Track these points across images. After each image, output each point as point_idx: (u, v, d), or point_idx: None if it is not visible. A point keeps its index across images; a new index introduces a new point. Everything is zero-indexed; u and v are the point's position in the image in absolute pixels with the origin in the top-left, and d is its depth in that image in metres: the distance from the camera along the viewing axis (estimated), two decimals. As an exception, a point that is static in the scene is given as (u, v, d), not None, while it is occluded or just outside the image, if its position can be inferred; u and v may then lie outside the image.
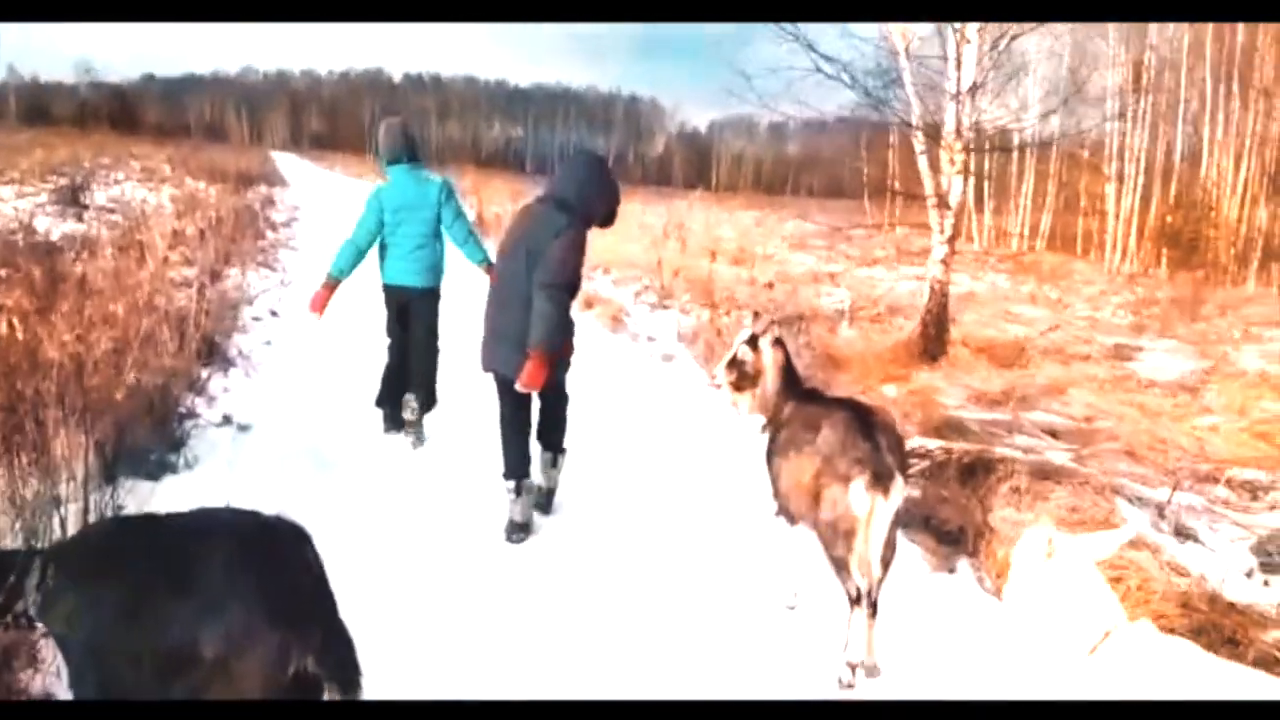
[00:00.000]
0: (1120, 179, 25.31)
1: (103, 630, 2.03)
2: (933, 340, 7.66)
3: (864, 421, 3.54)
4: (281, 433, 5.70)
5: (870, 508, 3.36)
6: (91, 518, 4.04)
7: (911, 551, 4.38)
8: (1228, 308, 15.66)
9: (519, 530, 4.62)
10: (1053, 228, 28.88)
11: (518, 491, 4.64)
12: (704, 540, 4.65)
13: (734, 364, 4.14)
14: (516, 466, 4.68)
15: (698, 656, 3.58)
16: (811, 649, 3.67)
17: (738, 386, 4.13)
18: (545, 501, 4.92)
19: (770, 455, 3.92)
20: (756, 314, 4.32)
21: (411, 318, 5.99)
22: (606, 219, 4.66)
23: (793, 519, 3.81)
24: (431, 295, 5.97)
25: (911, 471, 5.22)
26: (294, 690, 2.03)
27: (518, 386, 4.43)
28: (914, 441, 5.55)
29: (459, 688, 3.23)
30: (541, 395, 4.71)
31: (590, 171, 4.62)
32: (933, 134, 7.58)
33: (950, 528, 4.46)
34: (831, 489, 3.45)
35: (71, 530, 3.82)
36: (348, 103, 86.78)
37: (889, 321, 10.67)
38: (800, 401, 3.94)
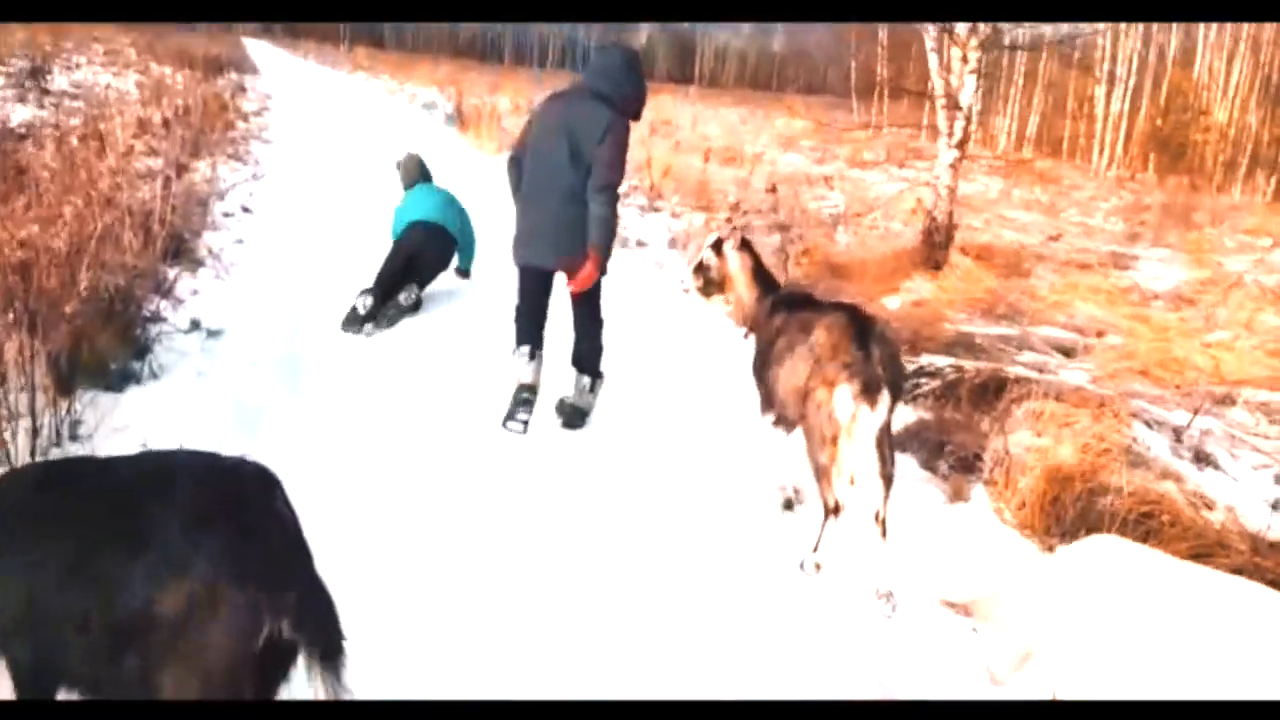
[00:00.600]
0: (1111, 81, 24.75)
1: (41, 595, 1.75)
2: (936, 248, 7.34)
3: (860, 328, 3.43)
4: (254, 338, 5.36)
5: (854, 416, 3.28)
6: (45, 436, 3.77)
7: (924, 479, 4.16)
8: (1216, 215, 15.44)
9: (528, 392, 4.59)
10: (1039, 131, 28.39)
11: (530, 356, 4.62)
12: (704, 450, 4.48)
13: (700, 269, 4.24)
14: (530, 337, 4.66)
15: (699, 571, 3.40)
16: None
17: (705, 291, 4.24)
18: (579, 419, 4.72)
19: (764, 362, 3.85)
20: (729, 219, 4.31)
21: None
22: (636, 114, 4.52)
23: (789, 425, 3.72)
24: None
25: (921, 391, 5.00)
26: (268, 659, 1.76)
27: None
28: (923, 359, 5.30)
29: (457, 644, 2.93)
30: (577, 305, 4.63)
31: (629, 66, 4.49)
32: (946, 30, 7.10)
33: (965, 454, 4.23)
34: (818, 392, 3.38)
35: (21, 452, 3.55)
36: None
37: (884, 228, 10.34)
38: (792, 308, 3.85)
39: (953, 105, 7.09)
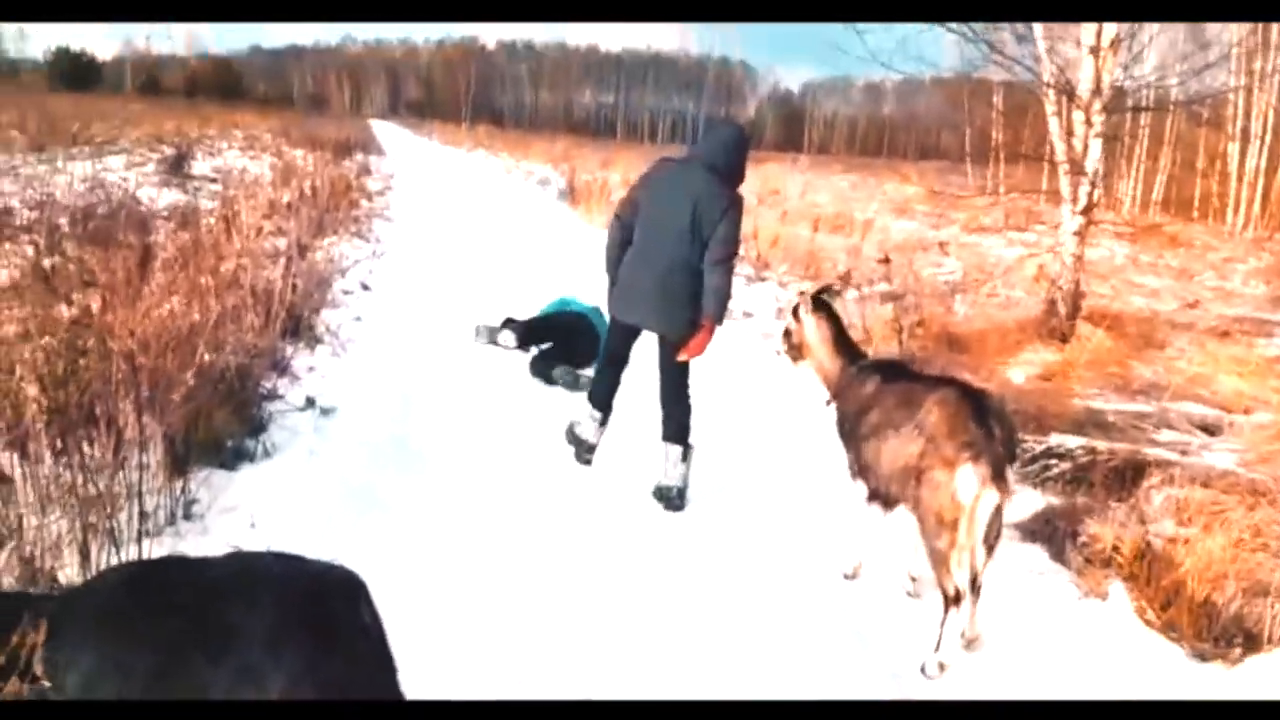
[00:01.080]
0: (1245, 138, 23.60)
1: (125, 696, 1.71)
2: (1062, 319, 6.98)
3: (974, 403, 3.31)
4: (367, 417, 5.43)
5: (977, 497, 3.15)
6: (163, 514, 3.86)
7: (1056, 574, 3.86)
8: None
9: (588, 453, 5.00)
10: (1166, 192, 27.21)
11: (602, 423, 4.94)
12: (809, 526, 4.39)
13: (786, 334, 4.36)
14: (604, 398, 4.93)
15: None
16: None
17: (793, 356, 4.31)
18: (680, 499, 4.67)
19: (856, 435, 3.74)
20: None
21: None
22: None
23: (889, 504, 3.60)
24: None
25: (1050, 474, 4.70)
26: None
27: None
28: (1051, 439, 4.98)
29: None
30: (670, 375, 4.72)
31: (741, 142, 4.69)
32: (1067, 93, 6.85)
33: (1101, 545, 3.90)
34: (936, 473, 3.22)
35: (133, 531, 3.62)
36: (444, 70, 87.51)
37: (1005, 296, 9.96)
38: (886, 377, 3.75)
39: (1077, 170, 6.80)
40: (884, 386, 3.68)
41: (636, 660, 3.25)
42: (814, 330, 4.10)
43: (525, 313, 7.36)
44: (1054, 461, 4.77)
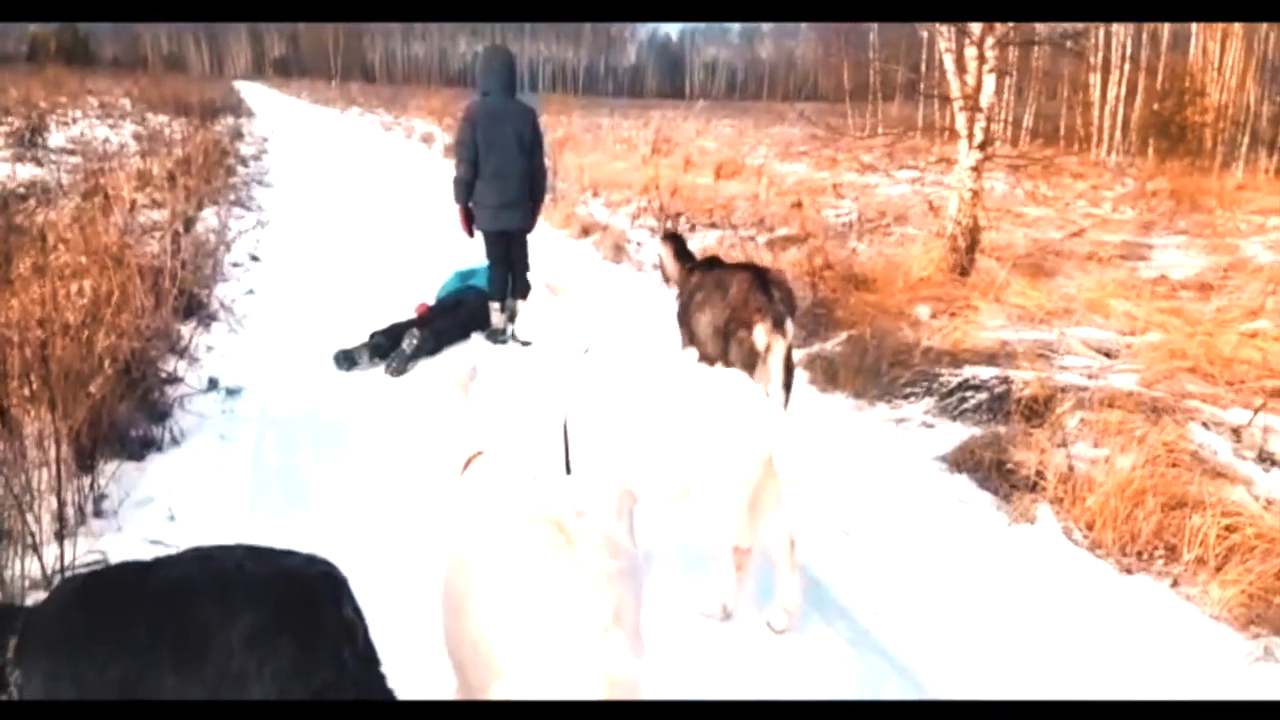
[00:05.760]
0: (1106, 68, 24.60)
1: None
2: (963, 254, 7.16)
3: (762, 279, 4.43)
4: (274, 395, 5.21)
5: (769, 345, 4.25)
6: (69, 511, 3.62)
7: (983, 500, 3.98)
8: (1223, 196, 15.19)
9: (498, 334, 6.46)
10: (1035, 122, 28.19)
11: (501, 309, 6.45)
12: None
13: (658, 266, 5.64)
14: (500, 292, 6.46)
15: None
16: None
17: (665, 280, 5.35)
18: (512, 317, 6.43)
19: (688, 314, 4.69)
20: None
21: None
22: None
23: (710, 360, 4.46)
24: None
25: (968, 405, 4.83)
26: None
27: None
28: (965, 371, 5.13)
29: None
30: (518, 245, 6.57)
31: (509, 60, 6.55)
32: (963, 30, 6.94)
33: (1025, 471, 4.04)
34: (740, 331, 4.33)
35: (46, 532, 3.39)
36: (308, 25, 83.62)
37: (899, 234, 10.18)
38: (705, 269, 4.83)
39: (972, 106, 6.93)
40: (704, 275, 4.73)
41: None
42: (666, 252, 5.13)
43: (421, 285, 7.01)
44: (970, 393, 4.92)
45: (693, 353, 4.65)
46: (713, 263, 4.98)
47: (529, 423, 4.34)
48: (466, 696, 1.98)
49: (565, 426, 3.39)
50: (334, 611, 1.68)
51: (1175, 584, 3.30)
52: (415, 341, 5.80)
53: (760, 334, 4.24)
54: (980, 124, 6.91)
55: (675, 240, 5.28)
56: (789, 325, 4.31)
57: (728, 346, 4.37)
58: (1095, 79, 24.75)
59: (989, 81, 6.89)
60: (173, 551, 3.38)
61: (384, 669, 1.74)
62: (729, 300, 4.40)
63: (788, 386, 4.28)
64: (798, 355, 5.91)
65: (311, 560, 1.75)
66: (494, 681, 1.81)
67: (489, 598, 1.86)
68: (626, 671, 1.76)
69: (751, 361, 4.25)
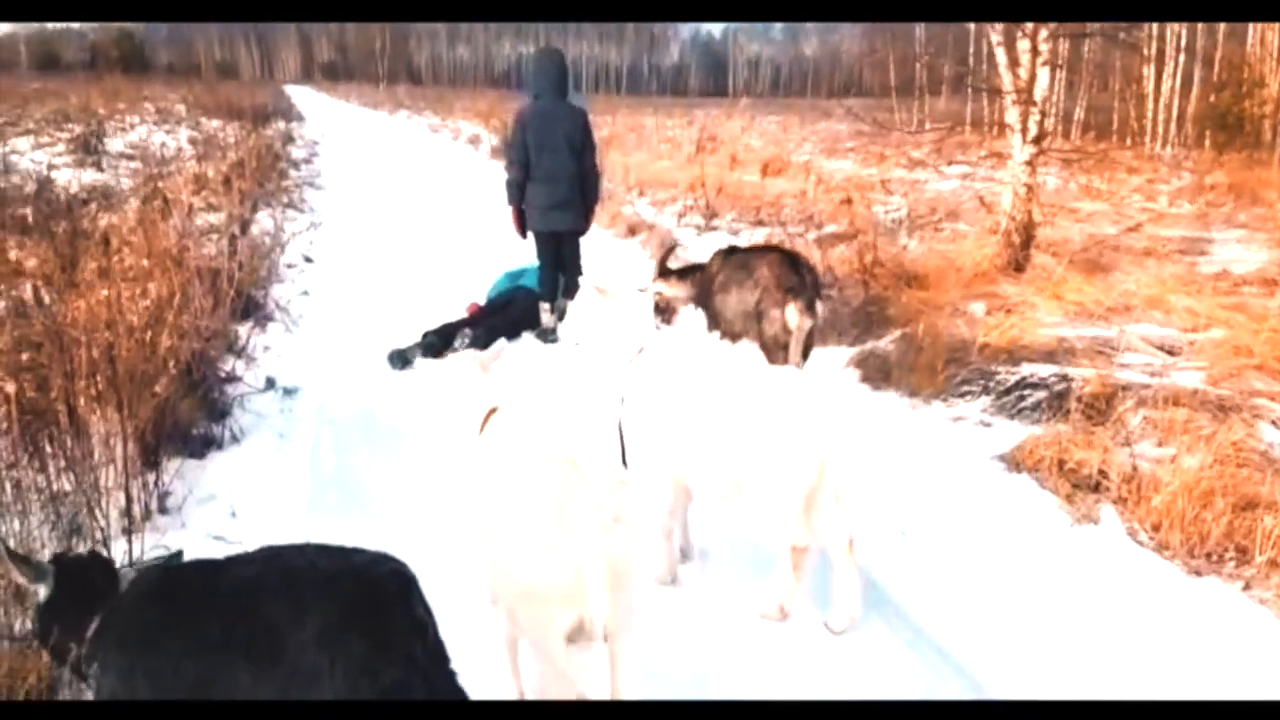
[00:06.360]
0: (1160, 59, 24.02)
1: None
2: (1018, 249, 7.04)
3: (791, 260, 4.75)
4: (330, 395, 5.28)
5: (799, 325, 4.52)
6: (135, 508, 3.69)
7: (1044, 501, 3.90)
8: (1280, 188, 14.73)
9: (549, 333, 6.47)
10: (1086, 115, 27.62)
11: (551, 309, 6.46)
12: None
13: (657, 308, 5.34)
14: (551, 293, 6.49)
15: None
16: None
17: (665, 319, 5.32)
18: (561, 317, 6.40)
19: (710, 300, 4.90)
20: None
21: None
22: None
23: (735, 338, 4.73)
24: None
25: (1026, 404, 4.75)
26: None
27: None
28: (1023, 369, 5.04)
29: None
30: (570, 246, 6.56)
31: (561, 62, 6.50)
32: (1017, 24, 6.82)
33: (1087, 470, 3.96)
34: (772, 311, 4.58)
35: (114, 528, 3.46)
36: (356, 29, 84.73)
37: (950, 230, 10.04)
38: (724, 256, 5.02)
39: (1025, 99, 6.81)
40: (724, 261, 4.95)
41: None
42: (672, 288, 5.17)
43: (471, 286, 7.02)
44: (1028, 392, 4.83)
45: (716, 337, 4.94)
46: (728, 250, 5.17)
47: (584, 421, 4.33)
48: (510, 626, 2.45)
49: (620, 425, 3.38)
50: (404, 609, 1.69)
51: (1247, 587, 3.22)
52: (467, 340, 5.84)
53: (792, 313, 4.48)
54: (1034, 118, 6.78)
55: (671, 274, 5.25)
56: (818, 306, 4.64)
57: (757, 326, 4.62)
58: (1149, 70, 24.18)
59: (1042, 75, 6.76)
60: (236, 547, 3.50)
61: (454, 668, 1.75)
62: (758, 280, 4.63)
63: (805, 356, 4.68)
64: (850, 353, 5.92)
65: (381, 558, 1.76)
66: (517, 585, 2.19)
67: (512, 521, 2.22)
68: (625, 557, 2.20)
69: (782, 341, 4.54)
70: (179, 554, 2.00)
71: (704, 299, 5.00)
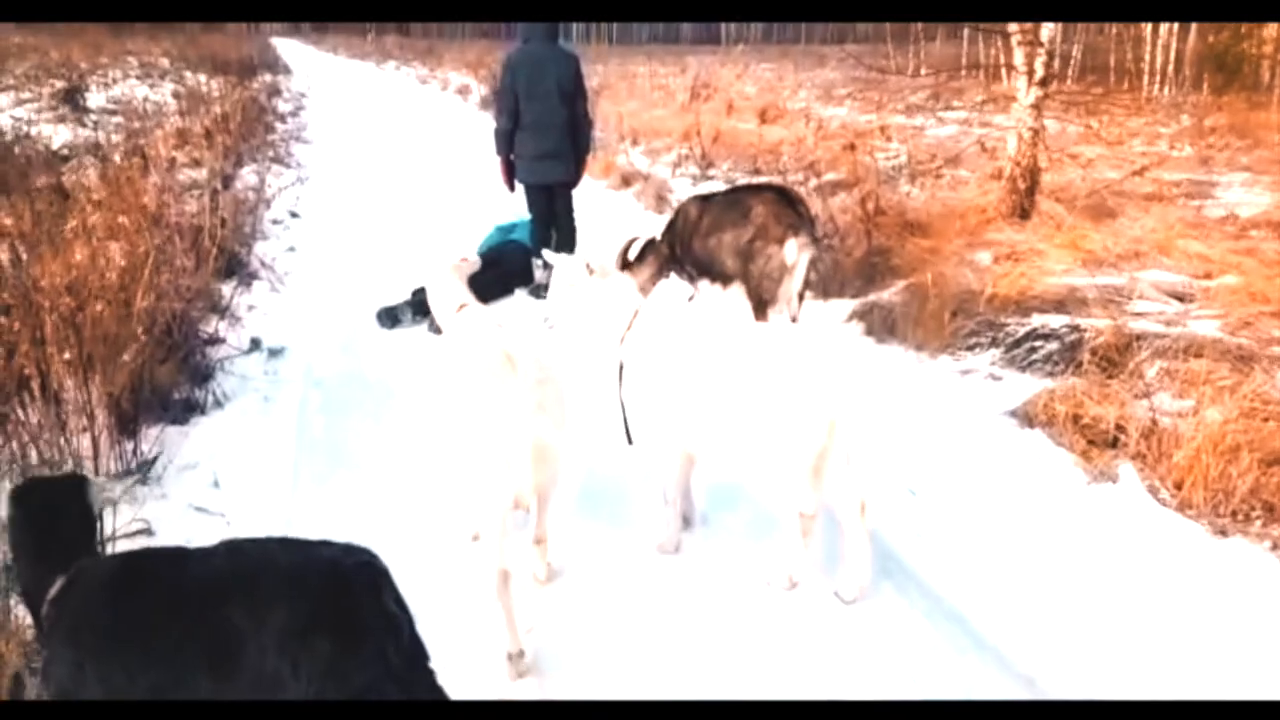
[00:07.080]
0: (1156, 1, 23.49)
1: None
2: (1023, 196, 6.83)
3: (786, 197, 4.80)
4: (317, 355, 5.11)
5: (798, 260, 4.63)
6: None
7: (1059, 457, 3.75)
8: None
9: (542, 289, 5.94)
10: (1083, 58, 27.14)
11: (544, 265, 5.87)
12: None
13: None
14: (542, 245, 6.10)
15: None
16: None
17: (644, 290, 5.18)
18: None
19: (690, 247, 4.98)
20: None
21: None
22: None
23: (726, 281, 4.82)
24: None
25: (1038, 356, 4.60)
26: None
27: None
28: (1034, 320, 4.87)
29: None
30: (561, 199, 6.33)
31: None
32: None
33: (1104, 425, 3.81)
34: (768, 248, 4.64)
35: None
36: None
37: (950, 176, 9.80)
38: (702, 201, 5.08)
39: (1032, 41, 6.56)
40: (705, 205, 4.98)
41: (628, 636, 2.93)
42: (640, 275, 5.02)
43: (461, 239, 6.67)
44: (1039, 343, 4.67)
45: (704, 283, 5.04)
46: (702, 197, 5.17)
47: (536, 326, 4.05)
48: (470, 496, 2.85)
49: (621, 396, 3.22)
50: (374, 605, 1.53)
51: (1275, 547, 3.08)
52: None
53: (792, 248, 4.57)
54: (1040, 59, 6.53)
55: (633, 264, 5.08)
56: (817, 235, 4.82)
57: (749, 264, 4.71)
58: (1148, 10, 23.69)
59: (1053, 13, 6.50)
60: (218, 520, 3.34)
61: (433, 665, 1.60)
62: (752, 219, 4.69)
63: (802, 297, 4.77)
64: (852, 305, 5.74)
65: (349, 550, 1.60)
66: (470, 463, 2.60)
67: (460, 402, 2.72)
68: (549, 440, 2.63)
69: (779, 276, 4.61)
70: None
71: (683, 252, 4.98)
